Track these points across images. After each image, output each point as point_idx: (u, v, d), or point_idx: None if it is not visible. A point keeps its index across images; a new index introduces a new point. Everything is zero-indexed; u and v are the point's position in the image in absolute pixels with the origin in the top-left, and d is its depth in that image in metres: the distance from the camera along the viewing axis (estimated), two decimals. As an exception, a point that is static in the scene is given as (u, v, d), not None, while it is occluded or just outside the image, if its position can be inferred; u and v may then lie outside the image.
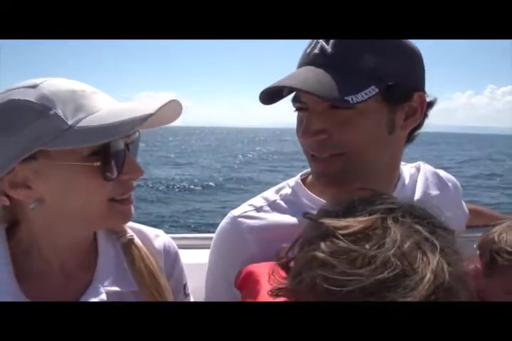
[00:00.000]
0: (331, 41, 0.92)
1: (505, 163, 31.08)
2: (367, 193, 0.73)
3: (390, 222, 0.63)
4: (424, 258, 0.59)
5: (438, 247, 0.62)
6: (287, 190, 1.10)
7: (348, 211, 0.68)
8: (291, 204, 1.07)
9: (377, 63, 0.91)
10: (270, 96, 0.97)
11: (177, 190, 16.90)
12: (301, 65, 0.97)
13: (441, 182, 1.21)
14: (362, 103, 0.87)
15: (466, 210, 1.33)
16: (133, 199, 0.90)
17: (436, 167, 1.27)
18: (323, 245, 0.62)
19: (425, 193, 1.15)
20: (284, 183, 1.13)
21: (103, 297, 0.89)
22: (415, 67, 0.98)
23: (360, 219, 0.65)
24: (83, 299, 0.88)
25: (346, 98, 0.86)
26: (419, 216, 0.66)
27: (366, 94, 0.87)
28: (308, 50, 0.96)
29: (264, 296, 0.80)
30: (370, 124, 0.93)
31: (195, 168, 25.17)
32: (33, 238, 0.89)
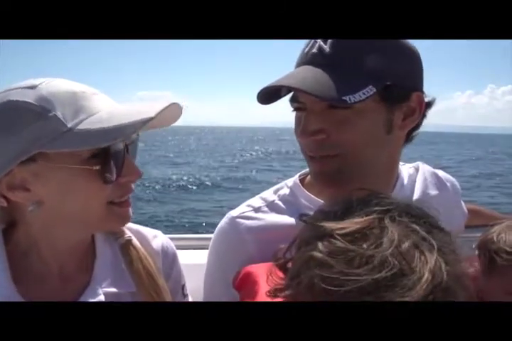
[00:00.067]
0: (329, 41, 0.92)
1: (504, 163, 31.05)
2: (364, 193, 0.73)
3: (387, 221, 0.63)
4: (422, 258, 0.59)
5: (435, 246, 0.61)
6: (285, 191, 1.09)
7: (346, 211, 0.68)
8: (290, 204, 1.06)
9: (375, 63, 0.91)
10: (268, 96, 0.97)
11: (173, 189, 16.87)
12: (299, 64, 0.97)
13: (439, 183, 1.21)
14: (360, 103, 0.86)
15: (465, 210, 1.33)
16: (130, 201, 0.89)
17: (435, 167, 1.27)
18: (320, 245, 0.62)
19: (424, 193, 1.14)
20: (282, 184, 1.13)
21: (101, 298, 0.89)
22: (414, 67, 0.98)
23: (357, 219, 0.65)
24: (81, 300, 0.88)
25: (344, 98, 0.85)
26: (416, 215, 0.66)
27: (364, 93, 0.87)
28: (307, 50, 0.95)
29: (262, 297, 0.80)
30: (367, 124, 0.92)
31: (193, 167, 25.14)
32: (31, 240, 0.88)
